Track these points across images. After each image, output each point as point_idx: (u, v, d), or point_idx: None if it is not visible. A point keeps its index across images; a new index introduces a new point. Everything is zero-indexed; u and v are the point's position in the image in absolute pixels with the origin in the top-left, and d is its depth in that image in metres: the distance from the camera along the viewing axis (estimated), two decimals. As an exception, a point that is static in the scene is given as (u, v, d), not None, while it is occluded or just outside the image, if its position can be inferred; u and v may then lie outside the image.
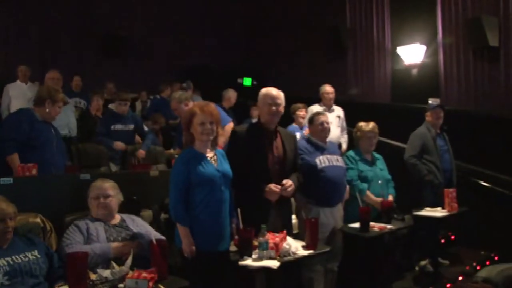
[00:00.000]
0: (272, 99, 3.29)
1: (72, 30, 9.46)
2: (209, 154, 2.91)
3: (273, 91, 3.35)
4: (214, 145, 2.94)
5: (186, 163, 2.79)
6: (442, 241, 5.20)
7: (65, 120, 5.00)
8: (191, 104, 4.48)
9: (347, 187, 4.05)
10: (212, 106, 2.98)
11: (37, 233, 2.83)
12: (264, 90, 3.38)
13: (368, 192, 4.13)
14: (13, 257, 2.48)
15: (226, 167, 2.95)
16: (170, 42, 10.65)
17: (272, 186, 3.14)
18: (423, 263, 4.77)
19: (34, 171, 3.28)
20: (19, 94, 5.91)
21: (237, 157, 3.14)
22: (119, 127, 5.47)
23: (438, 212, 4.32)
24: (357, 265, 3.87)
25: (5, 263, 2.43)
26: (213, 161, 2.89)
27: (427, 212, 4.36)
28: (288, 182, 3.19)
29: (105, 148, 5.23)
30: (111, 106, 5.93)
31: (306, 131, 5.54)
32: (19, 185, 3.11)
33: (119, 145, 5.35)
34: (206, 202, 2.77)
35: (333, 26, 8.78)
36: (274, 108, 3.27)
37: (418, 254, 4.85)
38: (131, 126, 5.58)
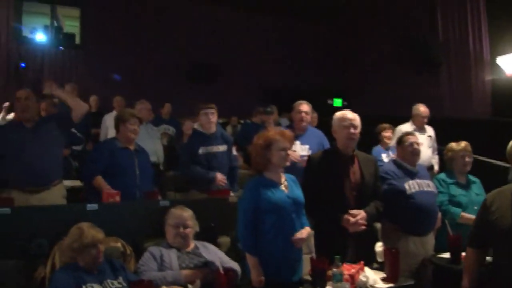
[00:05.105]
0: (350, 122, 3.15)
1: (160, 59, 10.12)
2: (280, 180, 2.84)
3: (349, 114, 3.21)
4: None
5: (255, 189, 2.74)
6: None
7: (152, 147, 5.17)
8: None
9: (439, 214, 3.73)
10: (289, 132, 2.94)
11: (118, 257, 2.93)
12: (339, 114, 3.25)
13: (462, 213, 3.72)
14: (104, 283, 2.58)
15: (298, 193, 2.85)
16: (258, 66, 10.90)
17: (348, 216, 2.98)
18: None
19: (117, 198, 3.43)
20: (115, 124, 6.28)
21: (313, 184, 3.06)
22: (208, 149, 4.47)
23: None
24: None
25: None
26: (283, 187, 2.81)
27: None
28: (360, 215, 3.00)
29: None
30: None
31: (394, 155, 5.25)
32: (104, 211, 3.26)
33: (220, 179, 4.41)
34: (276, 230, 2.69)
35: (423, 41, 8.38)
36: (352, 130, 3.13)
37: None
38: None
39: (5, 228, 2.93)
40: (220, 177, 4.37)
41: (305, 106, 4.54)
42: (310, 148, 4.41)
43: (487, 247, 2.55)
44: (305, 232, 2.80)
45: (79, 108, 3.81)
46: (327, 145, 4.52)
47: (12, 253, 2.83)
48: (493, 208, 2.43)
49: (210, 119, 4.43)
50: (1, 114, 6.44)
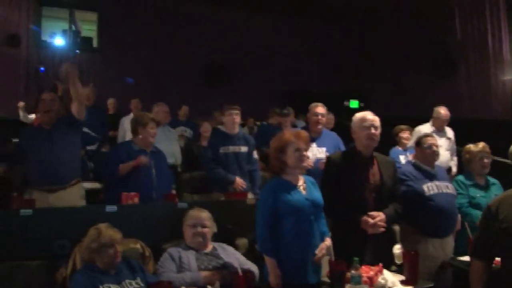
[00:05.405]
0: (370, 123, 3.14)
1: (176, 61, 10.21)
2: (299, 182, 2.83)
3: (369, 115, 3.20)
4: (302, 172, 2.87)
5: (273, 191, 2.74)
6: None
7: (170, 149, 5.19)
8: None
9: (459, 216, 3.69)
10: (304, 133, 2.93)
11: (137, 259, 2.96)
12: (359, 115, 3.25)
13: None
14: (122, 284, 2.62)
15: (317, 195, 2.84)
16: (274, 68, 10.91)
17: (367, 218, 2.97)
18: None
19: (136, 200, 3.48)
20: (132, 126, 6.34)
21: (332, 185, 3.05)
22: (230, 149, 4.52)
23: None
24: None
25: None
26: (302, 189, 2.80)
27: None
28: (379, 217, 2.98)
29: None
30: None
31: (411, 155, 5.22)
32: (123, 213, 3.31)
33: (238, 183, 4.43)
34: (295, 232, 2.68)
35: (440, 41, 8.29)
36: (373, 131, 3.11)
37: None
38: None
39: (27, 229, 3.00)
40: (239, 181, 4.38)
41: (321, 109, 4.54)
42: (327, 150, 4.41)
43: (494, 256, 2.41)
44: (324, 246, 2.79)
45: (78, 97, 3.82)
46: (342, 147, 4.52)
47: (35, 254, 2.89)
48: (501, 216, 2.27)
49: (235, 119, 4.48)
50: (21, 114, 6.57)
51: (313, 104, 4.60)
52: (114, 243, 2.65)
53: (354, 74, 10.95)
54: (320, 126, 4.51)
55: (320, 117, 4.49)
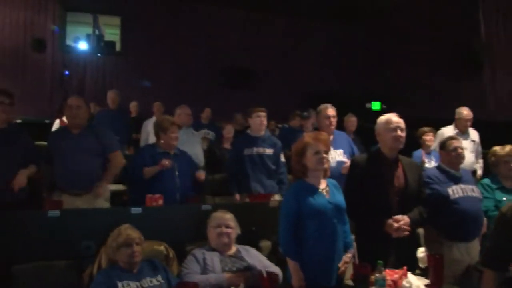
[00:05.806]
0: (396, 125, 3.10)
1: (198, 65, 10.33)
2: (321, 186, 2.83)
3: (395, 117, 3.16)
4: (325, 175, 2.86)
5: (295, 194, 2.75)
6: None
7: (193, 151, 5.22)
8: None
9: (485, 219, 3.63)
10: (324, 135, 2.92)
11: (161, 260, 3.00)
12: (384, 117, 3.20)
13: None
14: (142, 281, 2.69)
15: (339, 198, 2.84)
16: (295, 70, 10.93)
17: (392, 221, 2.94)
18: None
19: (160, 202, 3.53)
20: (155, 129, 6.41)
21: (356, 188, 3.03)
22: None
23: None
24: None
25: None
26: (325, 192, 2.80)
27: None
28: (404, 220, 2.95)
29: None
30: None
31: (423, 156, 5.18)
32: (147, 214, 3.35)
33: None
34: (318, 235, 2.68)
35: (465, 42, 8.16)
36: (399, 133, 3.07)
37: None
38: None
39: (55, 230, 3.07)
40: (237, 198, 4.44)
41: (331, 110, 4.43)
42: (344, 152, 4.36)
43: (508, 265, 2.27)
44: (347, 259, 2.80)
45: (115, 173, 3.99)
46: (354, 146, 4.48)
47: (62, 254, 2.96)
48: None
49: (262, 121, 4.52)
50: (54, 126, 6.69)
51: (323, 106, 4.47)
52: (131, 242, 2.71)
53: (377, 75, 10.87)
54: (332, 127, 4.45)
55: (332, 119, 4.41)
